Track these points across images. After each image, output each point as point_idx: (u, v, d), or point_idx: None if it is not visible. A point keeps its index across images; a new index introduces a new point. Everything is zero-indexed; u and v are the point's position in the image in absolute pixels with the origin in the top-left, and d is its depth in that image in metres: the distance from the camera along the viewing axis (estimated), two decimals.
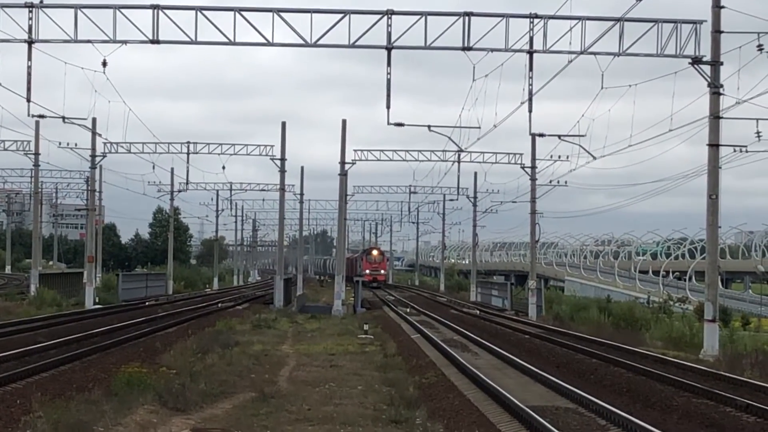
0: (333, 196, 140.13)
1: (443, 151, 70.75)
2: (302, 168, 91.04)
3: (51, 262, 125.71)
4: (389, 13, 38.68)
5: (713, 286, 37.53)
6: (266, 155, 70.11)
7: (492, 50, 38.96)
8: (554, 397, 23.59)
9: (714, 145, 36.92)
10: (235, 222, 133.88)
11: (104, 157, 68.39)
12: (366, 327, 43.97)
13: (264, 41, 38.67)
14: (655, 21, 38.00)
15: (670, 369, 29.87)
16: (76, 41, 38.41)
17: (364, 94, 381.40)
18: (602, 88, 40.38)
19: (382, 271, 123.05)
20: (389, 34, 38.79)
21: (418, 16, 38.59)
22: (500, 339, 41.50)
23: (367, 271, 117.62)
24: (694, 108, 39.32)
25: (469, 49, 38.60)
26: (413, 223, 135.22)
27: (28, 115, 41.51)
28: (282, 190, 69.40)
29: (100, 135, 63.07)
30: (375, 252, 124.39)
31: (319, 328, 46.49)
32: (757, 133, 38.31)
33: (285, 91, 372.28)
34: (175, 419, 19.22)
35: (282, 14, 38.43)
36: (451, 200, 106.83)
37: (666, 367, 30.65)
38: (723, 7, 36.33)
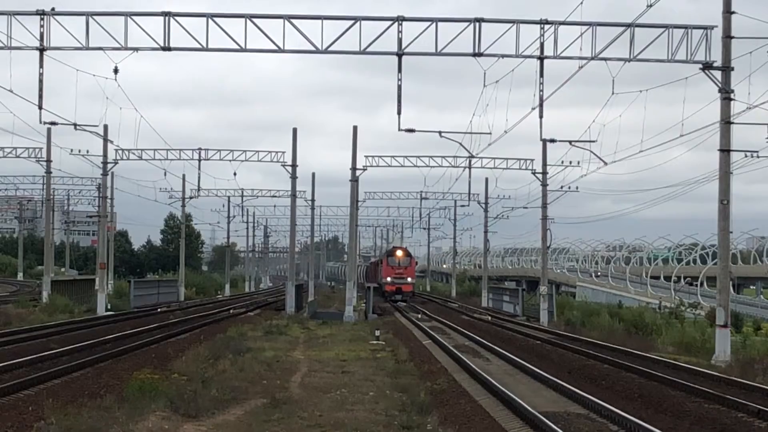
0: (341, 202, 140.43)
1: (454, 157, 70.81)
2: (313, 174, 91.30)
3: (63, 269, 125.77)
4: (400, 19, 38.68)
5: (725, 292, 37.44)
6: (277, 161, 70.30)
7: (503, 56, 38.93)
8: (566, 403, 23.60)
9: (725, 151, 36.87)
10: (247, 228, 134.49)
11: (116, 164, 68.74)
12: (377, 333, 43.95)
13: (275, 48, 38.71)
14: (666, 26, 37.92)
15: (682, 374, 29.86)
16: (88, 48, 38.50)
17: (365, 102, 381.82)
18: (613, 93, 40.42)
19: (409, 279, 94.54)
20: (400, 41, 38.80)
21: (429, 23, 38.61)
22: (512, 345, 41.48)
23: (389, 279, 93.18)
24: (704, 114, 39.30)
25: (480, 55, 38.60)
26: (424, 229, 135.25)
27: (40, 122, 41.54)
28: (293, 196, 69.49)
29: (111, 142, 63.35)
30: (399, 252, 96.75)
31: (331, 334, 46.50)
32: None
33: (289, 98, 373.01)
34: (187, 425, 19.27)
35: (293, 21, 38.47)
36: (462, 206, 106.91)
37: (678, 372, 30.64)
38: (734, 12, 36.28)
